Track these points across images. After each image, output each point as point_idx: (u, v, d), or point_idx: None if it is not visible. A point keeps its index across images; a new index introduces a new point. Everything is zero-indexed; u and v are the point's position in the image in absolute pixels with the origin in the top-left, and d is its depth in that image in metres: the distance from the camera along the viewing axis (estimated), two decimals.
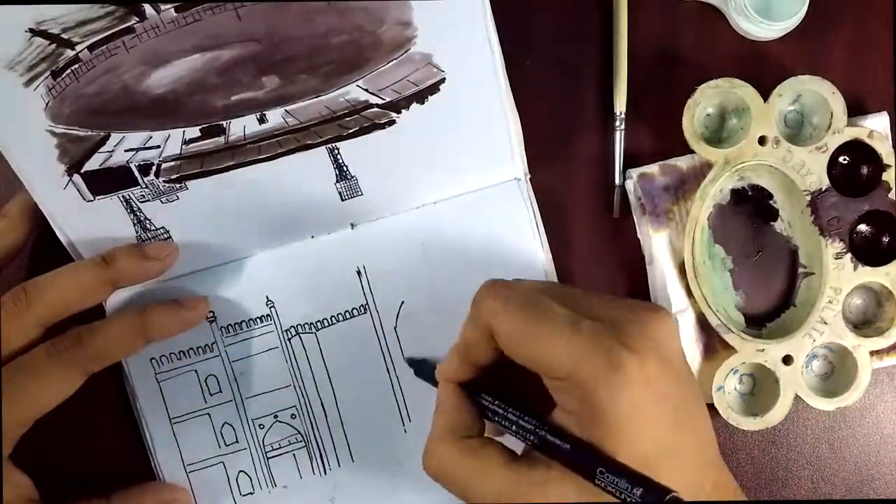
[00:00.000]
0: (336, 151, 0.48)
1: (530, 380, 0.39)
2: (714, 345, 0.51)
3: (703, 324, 0.51)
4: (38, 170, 0.46)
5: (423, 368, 0.49)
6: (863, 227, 0.51)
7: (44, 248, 0.49)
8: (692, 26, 0.52)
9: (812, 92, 0.50)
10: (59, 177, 0.46)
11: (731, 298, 0.52)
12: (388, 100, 0.47)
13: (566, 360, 0.36)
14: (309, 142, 0.47)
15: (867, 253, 0.50)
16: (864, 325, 0.52)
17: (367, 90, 0.46)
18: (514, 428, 0.40)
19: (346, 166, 0.48)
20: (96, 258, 0.47)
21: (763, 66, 0.52)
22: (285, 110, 0.46)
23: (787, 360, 0.50)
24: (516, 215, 0.51)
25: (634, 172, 0.51)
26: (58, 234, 0.48)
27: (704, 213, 0.50)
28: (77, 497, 0.48)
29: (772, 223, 0.52)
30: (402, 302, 0.51)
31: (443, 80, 0.47)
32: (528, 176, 0.51)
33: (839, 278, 0.50)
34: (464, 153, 0.49)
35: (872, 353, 0.51)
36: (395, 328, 0.51)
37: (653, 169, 0.51)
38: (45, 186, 0.46)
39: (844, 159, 0.51)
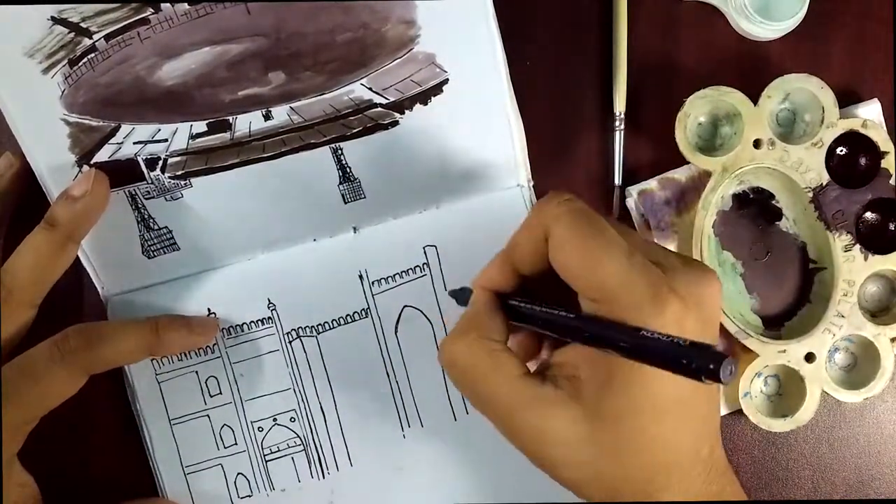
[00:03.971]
0: (340, 152, 0.49)
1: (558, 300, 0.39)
2: (734, 351, 0.51)
3: (721, 331, 0.51)
4: (49, 158, 0.47)
5: (468, 296, 0.46)
6: (868, 217, 0.51)
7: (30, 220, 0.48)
8: (692, 26, 0.53)
9: (801, 89, 0.50)
10: (68, 167, 0.47)
11: (746, 302, 0.52)
12: (391, 99, 0.48)
13: (614, 283, 0.36)
14: (312, 140, 0.48)
15: (875, 242, 0.51)
16: (881, 312, 0.52)
17: (370, 89, 0.47)
18: (548, 320, 0.39)
19: (350, 168, 0.49)
20: (150, 322, 0.48)
21: (763, 66, 0.53)
22: (290, 107, 0.47)
23: (809, 357, 0.50)
24: (519, 222, 0.51)
25: (634, 190, 0.52)
26: None
27: (709, 223, 0.51)
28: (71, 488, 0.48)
29: (777, 223, 0.52)
30: (404, 306, 0.51)
31: (446, 81, 0.48)
32: (532, 182, 0.51)
33: (851, 270, 0.50)
34: (466, 157, 0.50)
35: (893, 339, 0.51)
36: (395, 333, 0.51)
37: (651, 184, 0.52)
38: (54, 176, 0.47)
39: (842, 151, 0.51)
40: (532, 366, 0.40)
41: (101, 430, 0.51)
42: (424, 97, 0.48)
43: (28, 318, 0.46)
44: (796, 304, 0.53)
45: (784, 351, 0.50)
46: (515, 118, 0.50)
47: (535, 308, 0.40)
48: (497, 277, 0.42)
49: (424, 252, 0.51)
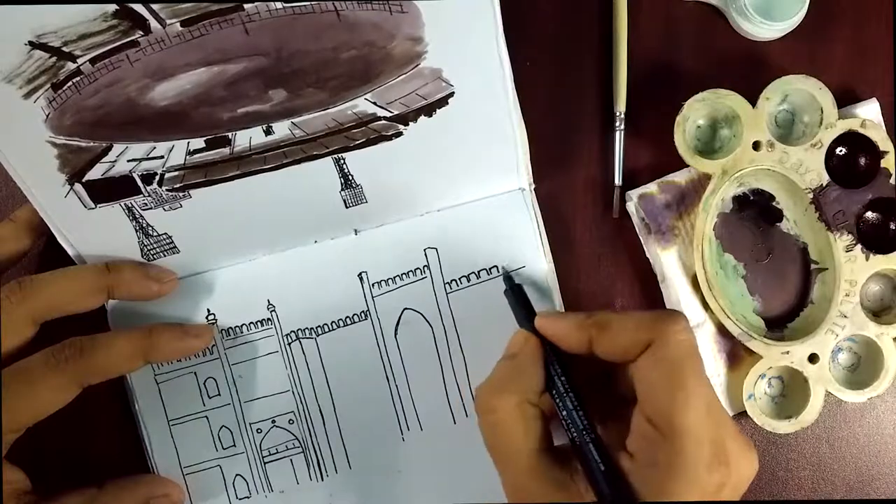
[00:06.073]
0: (342, 161, 0.47)
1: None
2: (738, 353, 0.52)
3: (723, 333, 0.51)
4: (37, 179, 0.45)
5: (516, 292, 0.47)
6: (869, 216, 0.51)
7: (52, 259, 0.49)
8: (692, 26, 0.52)
9: (799, 90, 0.49)
10: (59, 186, 0.45)
11: (749, 304, 0.52)
12: (396, 113, 0.46)
13: (685, 431, 0.37)
14: (315, 152, 0.46)
15: (876, 241, 0.51)
16: (883, 312, 0.52)
17: (375, 103, 0.45)
18: (564, 413, 0.41)
19: (352, 175, 0.48)
20: (100, 264, 0.47)
21: (763, 67, 0.52)
22: (292, 122, 0.45)
23: (812, 358, 0.50)
24: (520, 224, 0.50)
25: (634, 194, 0.51)
26: (59, 239, 0.47)
27: (709, 225, 0.50)
28: (70, 486, 0.48)
29: (777, 224, 0.52)
30: (404, 309, 0.51)
31: (451, 94, 0.46)
32: (533, 186, 0.51)
33: (853, 270, 0.50)
34: (470, 164, 0.49)
35: None
36: (395, 335, 0.51)
37: (652, 188, 0.51)
38: (45, 195, 0.45)
39: (841, 151, 0.50)
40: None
41: (100, 430, 0.51)
42: (429, 110, 0.46)
43: (26, 332, 0.45)
44: (798, 305, 0.52)
45: (787, 352, 0.50)
46: (519, 125, 0.48)
47: (570, 410, 0.41)
48: (572, 337, 0.42)
49: (425, 254, 0.50)
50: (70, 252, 0.48)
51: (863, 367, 0.52)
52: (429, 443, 0.51)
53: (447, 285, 0.50)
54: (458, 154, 0.48)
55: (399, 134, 0.47)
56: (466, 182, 0.49)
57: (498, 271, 0.50)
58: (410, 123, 0.46)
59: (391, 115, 0.46)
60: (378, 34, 0.43)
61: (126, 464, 0.51)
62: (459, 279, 0.50)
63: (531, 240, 0.50)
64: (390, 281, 0.51)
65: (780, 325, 0.52)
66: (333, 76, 0.44)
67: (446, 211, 0.50)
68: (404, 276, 0.51)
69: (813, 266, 0.52)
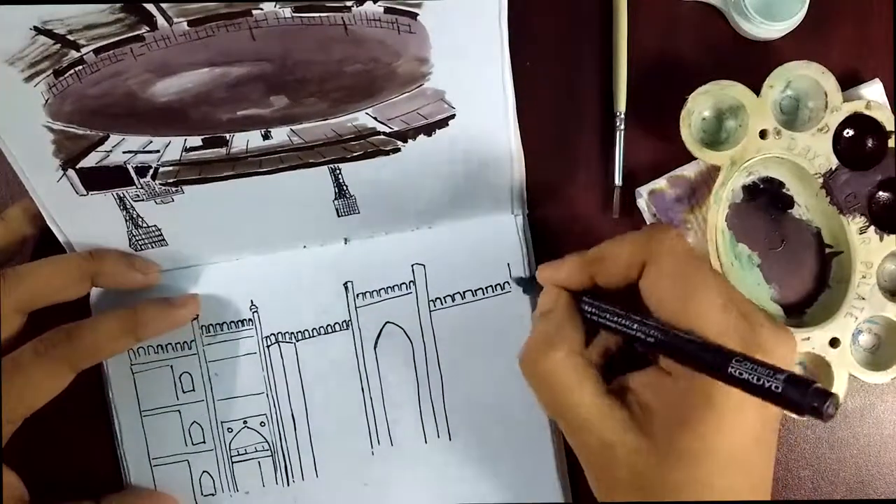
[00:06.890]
0: (338, 171, 0.47)
1: None
2: None
3: None
4: (32, 162, 0.45)
5: (532, 286, 0.48)
6: (880, 197, 0.50)
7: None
8: (692, 26, 0.52)
9: (802, 76, 0.49)
10: (52, 170, 0.45)
11: (766, 293, 0.51)
12: (395, 129, 0.46)
13: (710, 332, 0.37)
14: (311, 160, 0.46)
15: (889, 222, 0.50)
16: None
17: (375, 118, 0.45)
18: (633, 327, 0.40)
19: (346, 185, 0.48)
20: (84, 252, 0.47)
21: (763, 66, 0.51)
22: (291, 129, 0.45)
23: (833, 342, 0.50)
24: (509, 250, 0.50)
25: (644, 190, 0.51)
26: (50, 225, 0.47)
27: (721, 217, 0.50)
28: (67, 500, 0.48)
29: (790, 211, 0.51)
30: (386, 322, 0.51)
31: (452, 117, 0.46)
32: (527, 213, 0.51)
33: (868, 252, 0.50)
34: (465, 186, 0.49)
35: None
36: (374, 348, 0.51)
37: (661, 184, 0.51)
38: (38, 178, 0.45)
39: (848, 133, 0.50)
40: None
41: (72, 415, 0.51)
42: (429, 129, 0.46)
43: (14, 323, 0.45)
44: (816, 290, 0.52)
45: (808, 338, 0.49)
46: (518, 153, 0.48)
47: (614, 319, 0.41)
48: (575, 278, 0.43)
49: (412, 269, 0.50)
50: (60, 238, 0.48)
51: (884, 347, 0.52)
52: (398, 459, 0.51)
53: (431, 303, 0.50)
54: (453, 175, 0.48)
55: (397, 150, 0.47)
56: (460, 203, 0.49)
57: (508, 281, 0.50)
58: (409, 140, 0.46)
59: (390, 130, 0.46)
60: (384, 51, 0.43)
61: (96, 451, 0.51)
62: (444, 298, 0.50)
63: (519, 267, 0.50)
64: (375, 293, 0.51)
65: (798, 312, 0.52)
66: (336, 88, 0.44)
67: (437, 228, 0.50)
68: (389, 289, 0.50)
69: (828, 250, 0.51)
